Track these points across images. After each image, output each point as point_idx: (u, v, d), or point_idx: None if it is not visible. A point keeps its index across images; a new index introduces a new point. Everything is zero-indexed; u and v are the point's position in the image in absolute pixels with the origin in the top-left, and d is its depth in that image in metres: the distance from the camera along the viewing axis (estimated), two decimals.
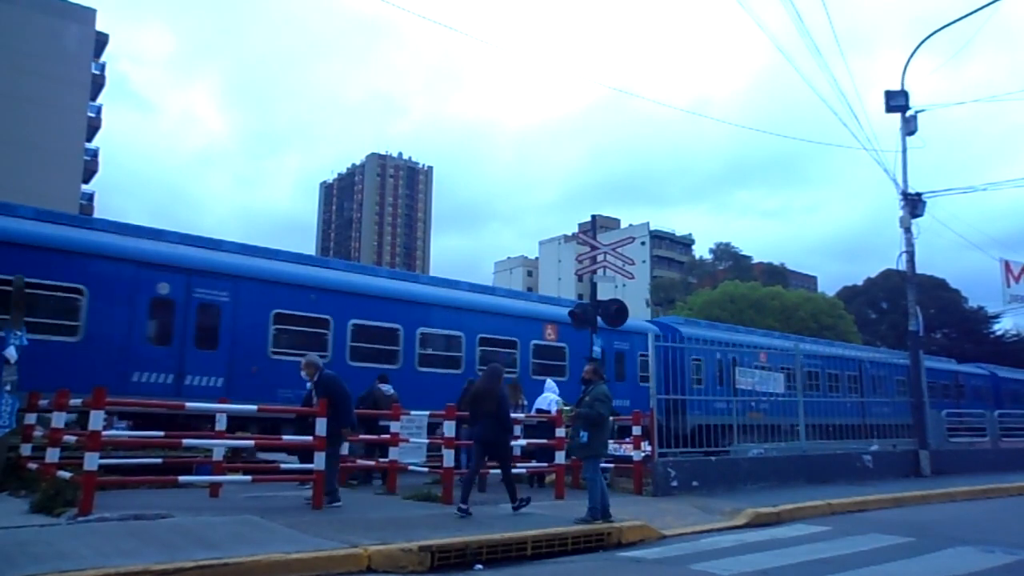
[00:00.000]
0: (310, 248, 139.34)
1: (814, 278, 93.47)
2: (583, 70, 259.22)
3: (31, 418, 10.08)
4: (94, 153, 49.01)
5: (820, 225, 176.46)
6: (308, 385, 10.02)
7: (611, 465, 11.93)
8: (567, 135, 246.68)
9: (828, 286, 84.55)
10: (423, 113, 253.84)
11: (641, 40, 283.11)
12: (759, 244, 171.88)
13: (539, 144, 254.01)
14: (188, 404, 9.36)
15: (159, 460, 10.61)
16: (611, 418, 9.38)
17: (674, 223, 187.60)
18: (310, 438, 8.95)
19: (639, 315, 36.46)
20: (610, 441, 10.52)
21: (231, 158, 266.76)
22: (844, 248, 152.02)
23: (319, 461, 8.76)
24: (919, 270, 18.41)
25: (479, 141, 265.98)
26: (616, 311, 14.32)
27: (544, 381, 14.18)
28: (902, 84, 16.68)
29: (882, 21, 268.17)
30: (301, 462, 11.39)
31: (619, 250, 14.86)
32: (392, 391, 12.68)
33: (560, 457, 10.83)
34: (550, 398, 13.08)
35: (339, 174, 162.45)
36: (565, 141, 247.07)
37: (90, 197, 48.80)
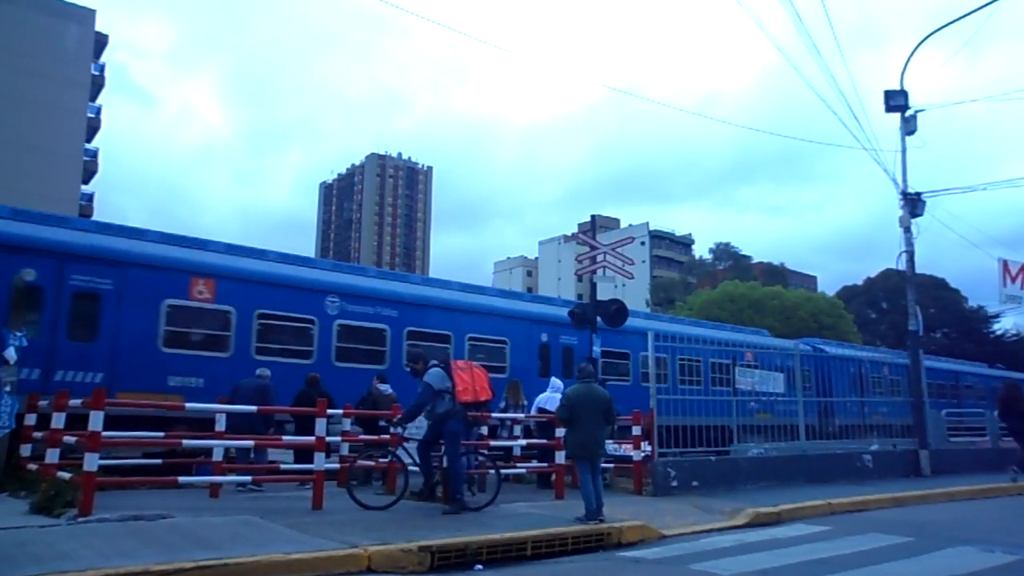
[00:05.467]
0: (309, 249, 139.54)
1: (814, 278, 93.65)
2: (589, 67, 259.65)
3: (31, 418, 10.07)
4: (94, 153, 48.99)
5: (825, 222, 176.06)
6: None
7: (611, 465, 11.92)
8: (571, 132, 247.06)
9: (829, 285, 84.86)
10: (427, 109, 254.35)
11: (651, 35, 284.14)
12: (762, 242, 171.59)
13: (543, 141, 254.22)
14: (188, 404, 9.34)
15: (159, 460, 10.60)
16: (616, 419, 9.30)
17: (677, 220, 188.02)
18: (311, 438, 8.98)
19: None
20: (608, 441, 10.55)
21: (231, 155, 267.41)
22: (849, 246, 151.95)
23: (319, 461, 8.81)
24: (920, 270, 18.37)
25: (483, 138, 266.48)
26: (616, 311, 14.27)
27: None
28: (901, 83, 16.65)
29: (898, 13, 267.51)
30: (298, 462, 11.40)
31: (619, 250, 14.82)
32: (391, 391, 12.61)
33: (560, 457, 10.82)
34: (556, 397, 12.97)
35: (339, 174, 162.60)
36: (569, 138, 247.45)
37: (90, 198, 48.78)
